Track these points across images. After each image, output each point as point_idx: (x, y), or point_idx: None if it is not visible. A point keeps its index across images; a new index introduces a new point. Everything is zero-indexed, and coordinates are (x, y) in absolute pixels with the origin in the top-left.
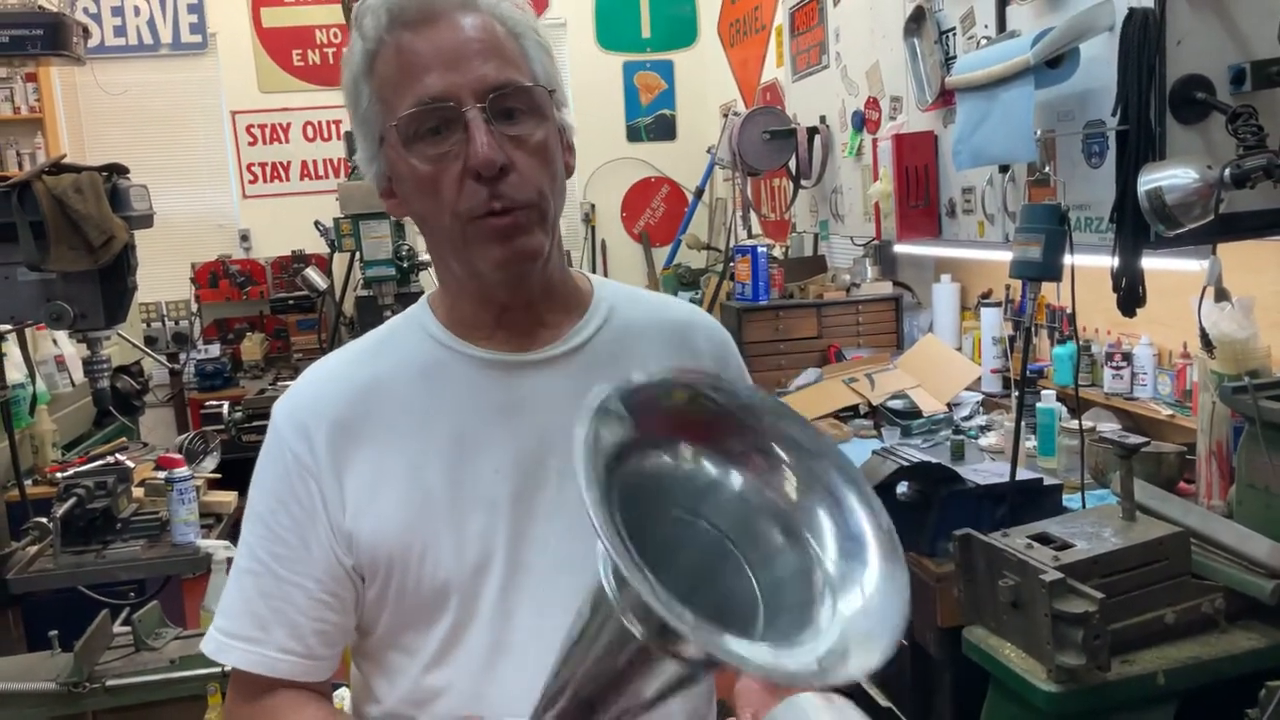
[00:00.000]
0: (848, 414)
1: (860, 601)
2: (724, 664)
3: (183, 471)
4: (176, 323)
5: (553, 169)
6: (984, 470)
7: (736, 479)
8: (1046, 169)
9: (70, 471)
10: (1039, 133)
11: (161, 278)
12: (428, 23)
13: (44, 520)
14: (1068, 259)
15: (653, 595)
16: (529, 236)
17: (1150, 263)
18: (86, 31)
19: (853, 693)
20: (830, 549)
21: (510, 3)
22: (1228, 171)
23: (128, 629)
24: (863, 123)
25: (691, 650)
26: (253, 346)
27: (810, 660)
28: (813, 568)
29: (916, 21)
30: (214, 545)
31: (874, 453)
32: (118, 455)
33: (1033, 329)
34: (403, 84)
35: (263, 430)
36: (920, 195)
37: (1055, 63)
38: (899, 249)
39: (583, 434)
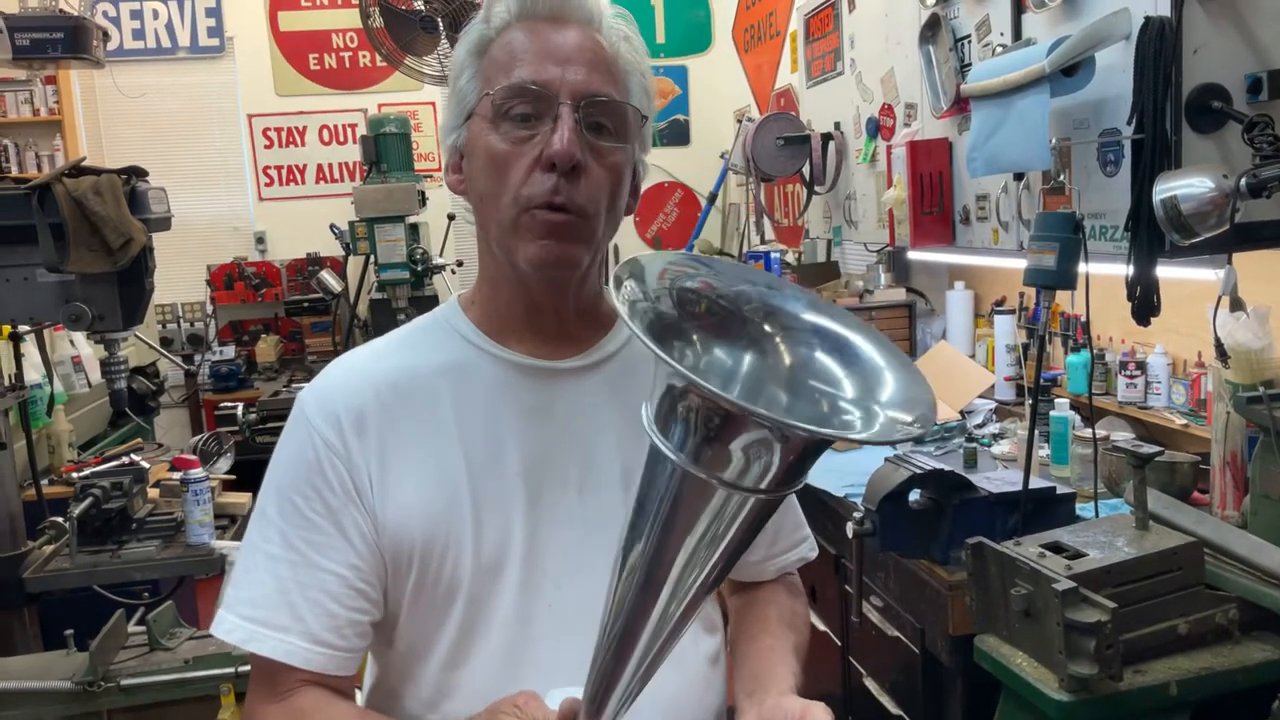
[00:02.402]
0: None
1: (889, 392)
2: (797, 446)
3: (198, 473)
4: (192, 324)
5: (618, 192)
6: (997, 478)
7: (746, 359)
8: (1061, 177)
9: (86, 471)
10: (1054, 141)
11: (177, 279)
12: (552, 23)
13: (60, 520)
14: (1082, 267)
15: (723, 371)
16: (573, 245)
17: (1165, 272)
18: (106, 35)
19: (866, 700)
20: (841, 377)
21: (629, 44)
22: (1243, 181)
23: (142, 629)
24: (877, 129)
25: (761, 436)
26: (267, 348)
27: (876, 426)
28: (834, 398)
29: (931, 29)
30: (228, 546)
31: (886, 460)
32: (133, 456)
33: (1047, 337)
34: (509, 66)
35: (277, 431)
36: (934, 202)
37: (1071, 71)
38: (913, 255)
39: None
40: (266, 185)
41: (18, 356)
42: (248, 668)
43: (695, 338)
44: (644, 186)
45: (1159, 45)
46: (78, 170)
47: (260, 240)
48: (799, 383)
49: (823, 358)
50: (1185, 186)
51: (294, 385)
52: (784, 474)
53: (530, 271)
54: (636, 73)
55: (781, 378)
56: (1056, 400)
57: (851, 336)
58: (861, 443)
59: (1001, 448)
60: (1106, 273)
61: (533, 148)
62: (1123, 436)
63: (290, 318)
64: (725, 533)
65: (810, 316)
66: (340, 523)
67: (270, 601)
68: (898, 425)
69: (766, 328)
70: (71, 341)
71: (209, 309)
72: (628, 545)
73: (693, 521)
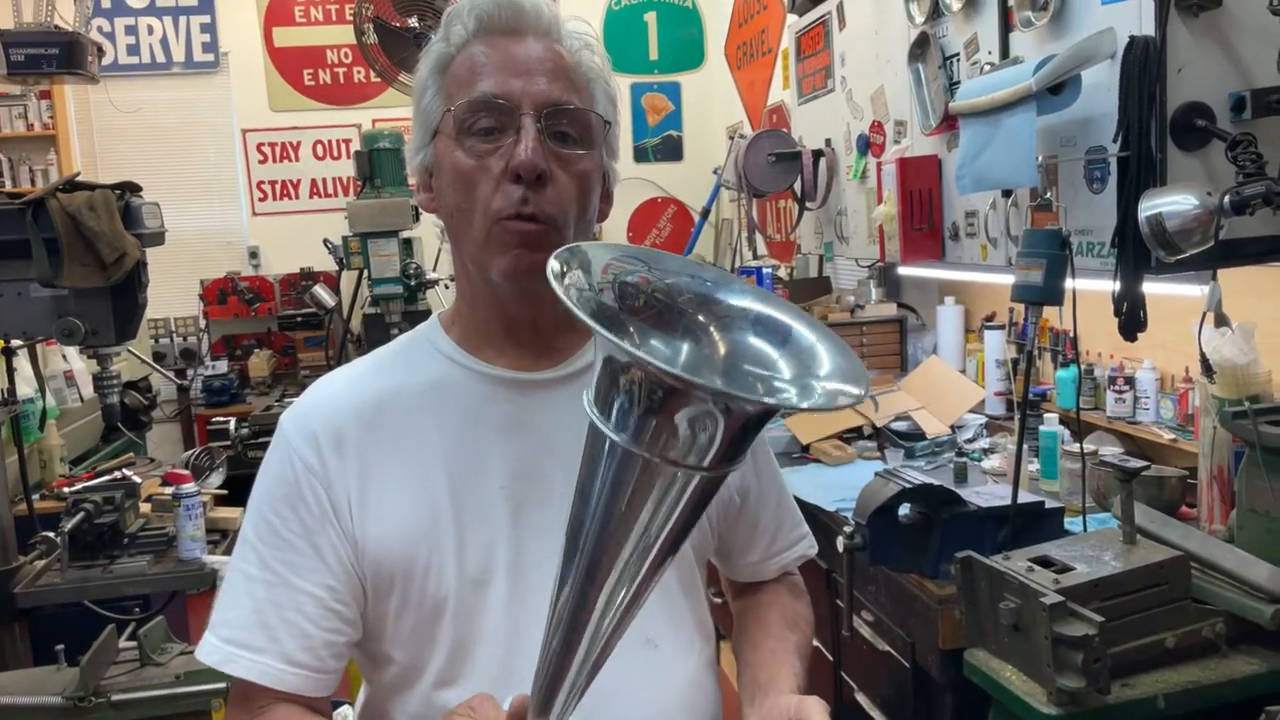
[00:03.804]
0: (851, 435)
1: (826, 368)
2: (739, 419)
3: (190, 487)
4: (185, 339)
5: (587, 200)
6: (986, 493)
7: (683, 349)
8: (1048, 194)
9: (78, 486)
10: (1041, 158)
11: (170, 294)
12: (510, 36)
13: (52, 534)
14: (1069, 283)
15: (661, 360)
16: (545, 254)
17: (1152, 288)
18: (101, 50)
19: (857, 715)
20: (775, 357)
21: (591, 51)
22: (1227, 198)
23: (133, 644)
24: (867, 146)
25: (703, 410)
26: (260, 363)
27: (814, 398)
28: (770, 379)
29: (921, 47)
30: (219, 561)
31: (877, 474)
32: (125, 470)
33: (1035, 352)
34: (470, 82)
35: (268, 446)
36: (924, 218)
37: (1057, 89)
38: (903, 271)
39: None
40: (260, 200)
41: (10, 371)
42: None
43: (633, 330)
44: (638, 203)
45: (1144, 64)
46: (72, 185)
47: (254, 255)
48: (735, 369)
49: (756, 342)
50: (1170, 204)
51: (286, 400)
52: (726, 449)
53: (504, 284)
54: (600, 80)
55: (717, 366)
56: (1046, 415)
57: (785, 320)
58: (804, 411)
59: (991, 462)
60: (1094, 289)
61: (498, 160)
62: (1111, 451)
63: (283, 332)
64: (670, 513)
65: (740, 302)
66: (316, 543)
67: (246, 623)
68: (840, 395)
69: (700, 318)
70: (64, 356)
71: (202, 323)
72: (572, 533)
73: (636, 503)
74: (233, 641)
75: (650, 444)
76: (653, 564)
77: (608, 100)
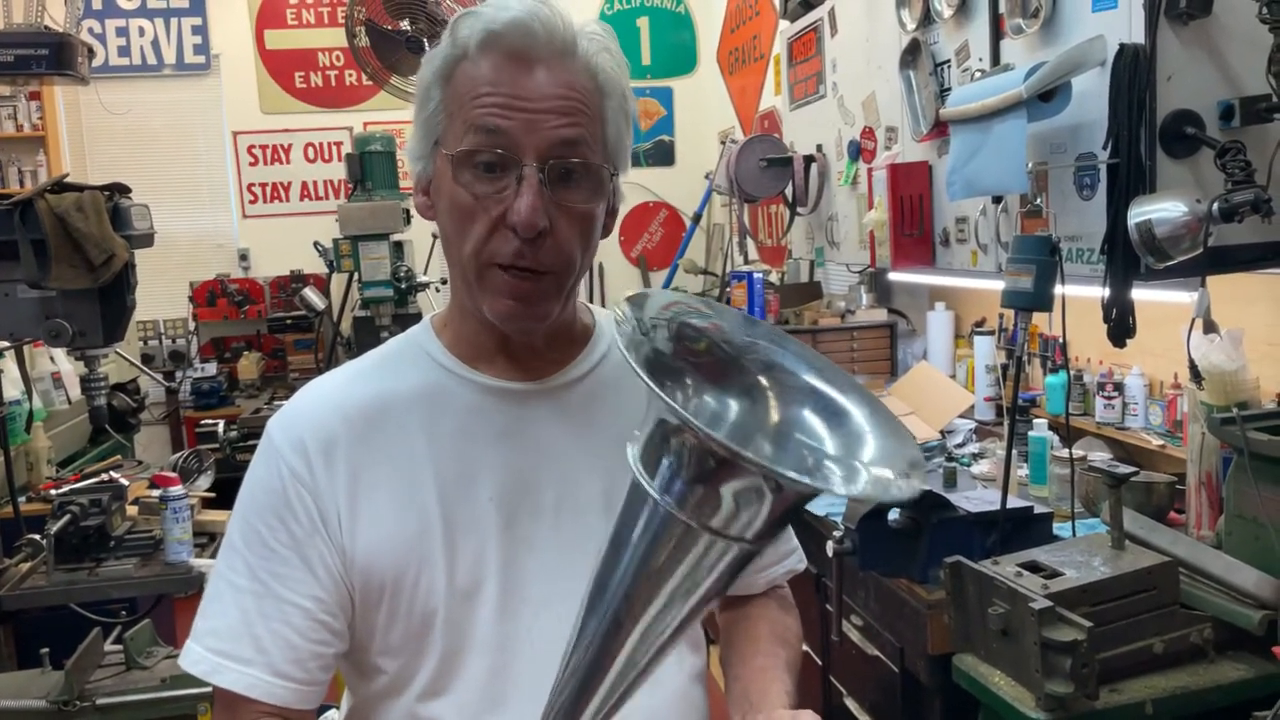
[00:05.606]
0: None
1: (873, 450)
2: (789, 499)
3: (177, 490)
4: (174, 341)
5: (589, 238)
6: (975, 498)
7: (735, 408)
8: (1038, 200)
9: (65, 489)
10: (1031, 165)
11: (159, 296)
12: (520, 58)
13: (37, 537)
14: (1059, 289)
15: (710, 416)
16: (541, 304)
17: (1141, 294)
18: (91, 51)
19: (843, 718)
20: (825, 436)
21: (610, 56)
22: (1216, 205)
23: (119, 647)
24: (859, 152)
25: (754, 485)
26: (249, 365)
27: (860, 482)
28: (819, 454)
29: (912, 54)
30: (207, 564)
31: None
32: (112, 473)
33: (1025, 358)
34: (472, 107)
35: (255, 451)
36: (915, 224)
37: (1048, 96)
38: (893, 277)
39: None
40: (250, 202)
41: None
42: None
43: (689, 381)
44: (629, 207)
45: (1133, 72)
46: (60, 186)
47: (243, 257)
48: (785, 436)
49: (811, 416)
50: (1159, 211)
51: (275, 403)
52: (770, 524)
53: (496, 320)
54: (616, 94)
55: (769, 431)
56: (1035, 420)
57: (844, 401)
58: (854, 498)
59: (981, 467)
60: (1083, 295)
61: (496, 204)
62: (1100, 457)
63: (273, 335)
64: (703, 580)
65: (808, 377)
66: (305, 554)
67: (234, 633)
68: (892, 485)
69: (762, 380)
70: (51, 358)
71: (191, 326)
72: (598, 585)
73: (671, 567)
74: (220, 652)
75: (695, 511)
76: (677, 628)
77: (621, 118)
